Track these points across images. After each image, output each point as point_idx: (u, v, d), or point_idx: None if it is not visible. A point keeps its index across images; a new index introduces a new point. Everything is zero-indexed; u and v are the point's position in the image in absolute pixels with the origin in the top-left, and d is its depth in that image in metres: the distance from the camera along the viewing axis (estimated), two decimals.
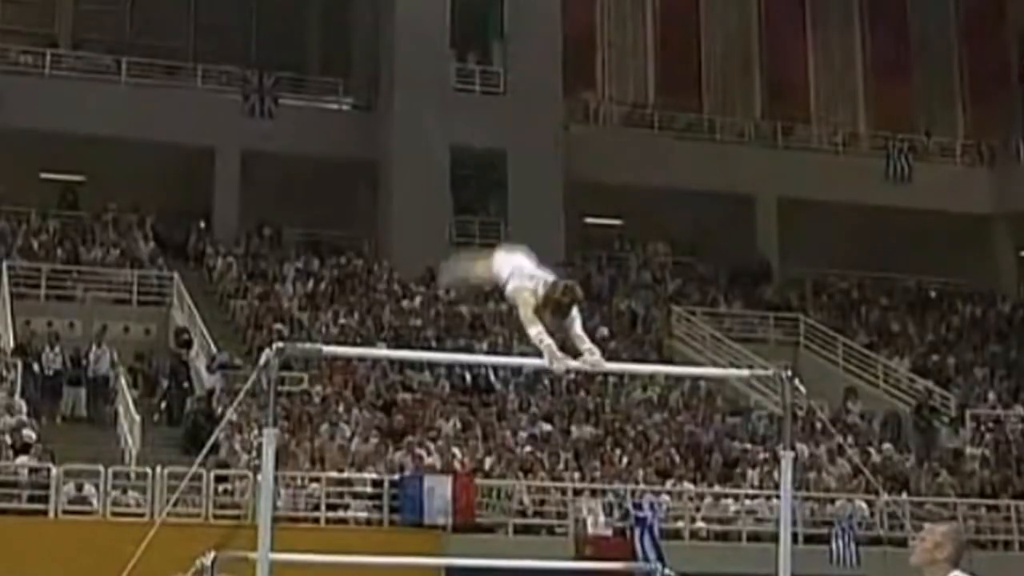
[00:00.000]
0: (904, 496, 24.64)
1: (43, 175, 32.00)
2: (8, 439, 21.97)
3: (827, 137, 37.36)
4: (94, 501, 21.11)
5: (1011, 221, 37.11)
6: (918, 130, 37.79)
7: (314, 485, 22.17)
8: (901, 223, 34.66)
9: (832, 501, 24.18)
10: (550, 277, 8.81)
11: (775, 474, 21.53)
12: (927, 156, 37.20)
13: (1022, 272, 37.75)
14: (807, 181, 34.73)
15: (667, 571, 10.70)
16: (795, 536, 18.02)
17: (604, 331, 27.67)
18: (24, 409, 23.23)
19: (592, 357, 8.59)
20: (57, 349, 25.68)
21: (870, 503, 24.05)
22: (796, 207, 34.50)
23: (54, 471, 21.19)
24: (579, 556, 21.58)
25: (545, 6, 33.18)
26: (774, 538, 8.94)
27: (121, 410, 24.43)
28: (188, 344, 26.74)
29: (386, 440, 23.91)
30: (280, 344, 8.07)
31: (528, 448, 24.34)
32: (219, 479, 21.70)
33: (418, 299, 29.89)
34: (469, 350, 26.53)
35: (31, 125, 29.93)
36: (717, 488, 24.14)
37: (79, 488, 21.16)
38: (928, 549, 6.01)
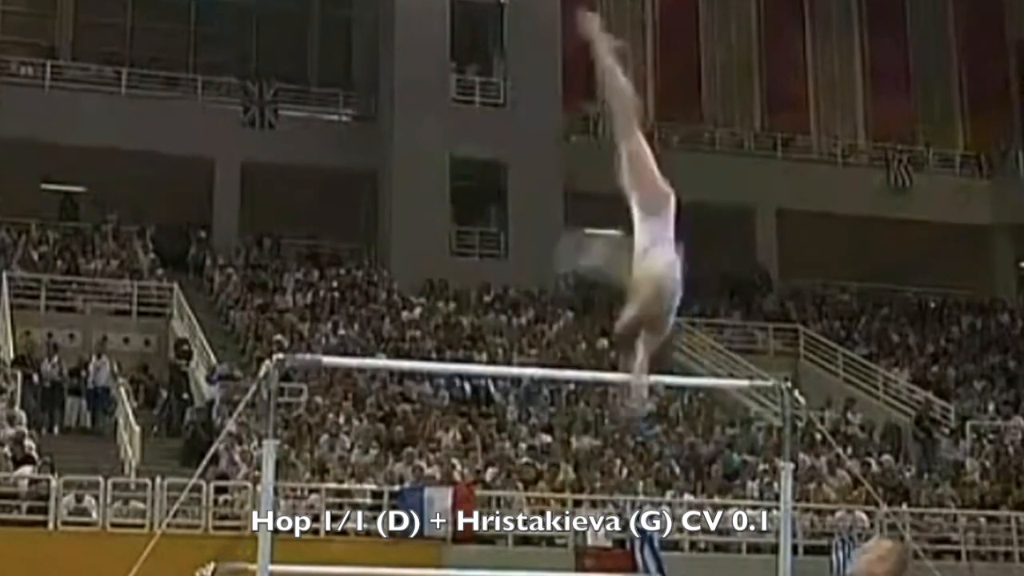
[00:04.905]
0: (904, 507, 24.61)
1: (43, 186, 32.04)
2: (8, 450, 21.95)
3: (827, 148, 37.41)
4: (94, 512, 21.07)
5: (1010, 232, 37.16)
6: (918, 141, 37.84)
7: (314, 496, 22.15)
8: (901, 234, 34.69)
9: (832, 512, 24.15)
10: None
11: (775, 485, 21.52)
12: (927, 167, 37.24)
13: (1021, 283, 37.78)
14: (807, 192, 34.76)
15: None
16: (795, 547, 18.01)
17: (604, 342, 27.68)
18: (24, 420, 23.22)
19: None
20: (57, 360, 25.68)
21: (870, 514, 24.02)
22: (796, 218, 34.53)
23: (54, 482, 21.16)
24: (579, 568, 21.55)
25: (545, 18, 33.18)
26: (774, 550, 8.96)
27: (121, 421, 24.43)
28: (188, 355, 26.74)
29: (386, 451, 23.90)
30: (280, 355, 8.09)
31: (528, 459, 24.33)
32: (219, 490, 21.68)
33: (418, 310, 29.89)
34: (469, 361, 26.53)
35: (31, 136, 29.97)
36: (717, 499, 24.12)
37: (79, 499, 21.12)
38: (871, 560, 6.04)
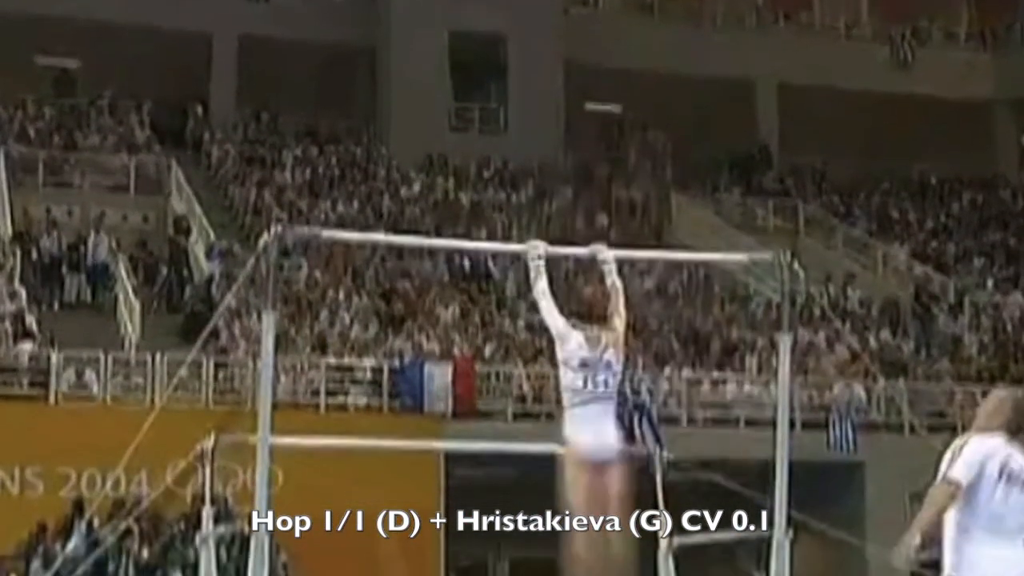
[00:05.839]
0: (902, 382, 24.73)
1: (39, 60, 31.71)
2: (8, 325, 21.99)
3: (829, 22, 36.99)
4: (94, 387, 21.19)
5: (1013, 107, 36.91)
6: (921, 15, 37.41)
7: (313, 371, 22.23)
8: (903, 109, 34.42)
9: (830, 387, 24.27)
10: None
11: (773, 361, 21.58)
12: (930, 42, 36.87)
13: (1023, 159, 37.60)
14: (808, 67, 34.46)
15: (665, 455, 10.74)
16: (793, 422, 18.11)
17: (603, 219, 27.61)
18: (24, 296, 23.23)
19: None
20: (56, 236, 25.62)
21: (868, 389, 24.14)
22: (797, 93, 34.27)
23: (54, 357, 21.24)
24: None
25: None
26: (772, 423, 8.94)
27: (121, 297, 24.45)
28: (187, 231, 26.68)
29: (385, 327, 23.95)
30: (279, 227, 7.99)
31: (527, 335, 24.37)
32: (219, 366, 21.76)
33: (417, 186, 29.78)
34: (468, 237, 26.46)
35: (24, 10, 29.60)
36: (716, 374, 24.21)
37: (79, 374, 21.23)
38: (986, 415, 5.96)
